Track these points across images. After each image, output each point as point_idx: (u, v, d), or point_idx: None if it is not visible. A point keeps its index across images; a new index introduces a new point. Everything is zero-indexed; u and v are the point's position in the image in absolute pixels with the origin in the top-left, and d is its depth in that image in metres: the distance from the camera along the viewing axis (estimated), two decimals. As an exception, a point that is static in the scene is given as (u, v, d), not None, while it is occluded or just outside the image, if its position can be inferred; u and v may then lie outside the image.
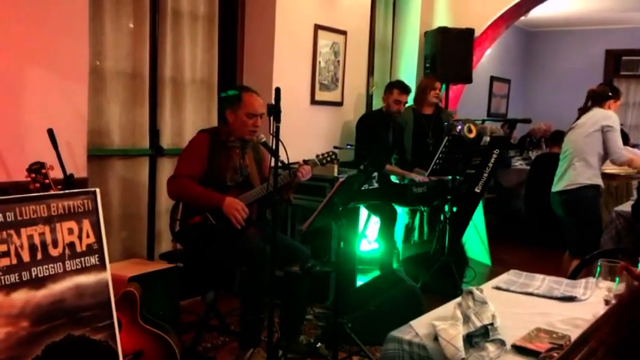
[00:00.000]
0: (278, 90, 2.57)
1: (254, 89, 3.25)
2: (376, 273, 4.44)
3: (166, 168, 3.84)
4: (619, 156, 3.96)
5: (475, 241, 5.48)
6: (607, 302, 1.81)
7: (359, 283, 4.20)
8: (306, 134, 4.67)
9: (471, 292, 1.68)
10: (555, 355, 1.41)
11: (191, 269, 3.33)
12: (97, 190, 2.12)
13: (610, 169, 4.99)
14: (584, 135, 4.03)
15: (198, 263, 3.25)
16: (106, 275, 2.11)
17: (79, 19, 3.12)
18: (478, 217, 5.38)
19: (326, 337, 3.25)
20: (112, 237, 3.62)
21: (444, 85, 5.40)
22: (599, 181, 4.02)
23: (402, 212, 5.02)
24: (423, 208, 4.90)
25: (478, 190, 4.62)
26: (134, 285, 2.72)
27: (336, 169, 4.15)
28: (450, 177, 4.42)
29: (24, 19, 2.87)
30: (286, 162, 2.82)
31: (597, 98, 4.07)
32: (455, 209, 4.48)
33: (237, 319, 3.42)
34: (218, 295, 3.44)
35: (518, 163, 7.14)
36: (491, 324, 1.57)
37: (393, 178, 4.66)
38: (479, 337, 1.53)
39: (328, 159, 3.41)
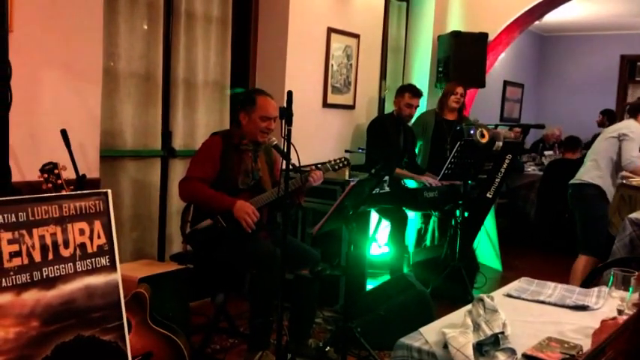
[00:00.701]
0: (290, 93, 2.57)
1: (267, 92, 3.26)
2: (386, 277, 4.43)
3: (178, 169, 3.85)
4: (629, 162, 4.08)
5: (486, 246, 5.45)
6: (620, 312, 1.78)
7: (369, 287, 4.19)
8: (318, 137, 4.67)
9: (481, 300, 1.66)
10: None
11: (201, 271, 3.34)
12: (109, 191, 2.13)
13: (636, 180, 4.98)
14: (603, 139, 4.29)
15: (209, 265, 3.25)
16: (116, 276, 2.11)
17: (94, 21, 3.14)
18: (489, 223, 5.34)
19: (335, 341, 3.24)
20: (123, 238, 3.64)
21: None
22: (602, 183, 4.17)
23: (415, 217, 5.01)
24: (434, 213, 4.87)
25: (490, 196, 4.58)
26: (144, 286, 2.73)
27: (347, 173, 4.15)
28: (461, 182, 4.40)
29: (38, 21, 2.89)
30: (298, 165, 2.82)
31: (632, 110, 4.29)
32: (466, 214, 4.45)
33: (247, 322, 3.42)
34: (228, 297, 3.45)
35: (530, 169, 7.09)
36: (502, 332, 1.55)
37: (407, 182, 4.65)
38: (489, 345, 1.52)
39: (340, 165, 3.41)
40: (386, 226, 4.63)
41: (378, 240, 4.81)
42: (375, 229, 4.73)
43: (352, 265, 3.67)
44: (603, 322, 1.54)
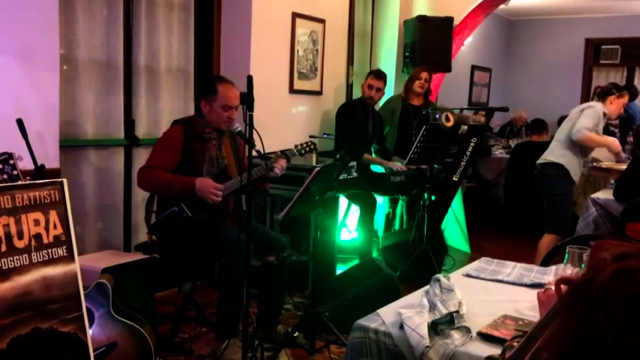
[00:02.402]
0: (250, 78, 2.54)
1: (230, 79, 3.22)
2: (356, 262, 4.45)
3: (142, 158, 3.78)
4: (577, 130, 4.13)
5: (455, 229, 5.50)
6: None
7: (339, 272, 4.21)
8: (285, 124, 4.66)
9: (438, 280, 1.68)
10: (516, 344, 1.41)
11: (167, 260, 3.31)
12: (64, 180, 2.08)
13: (606, 164, 5.08)
14: (568, 120, 4.35)
15: (175, 254, 3.22)
16: (75, 267, 2.08)
17: (49, 7, 3.06)
18: (457, 206, 5.40)
19: (303, 326, 3.26)
20: (88, 228, 3.59)
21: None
22: (565, 162, 4.23)
23: (383, 201, 5.03)
24: (401, 197, 4.91)
25: (456, 179, 4.63)
26: (107, 276, 2.70)
27: (314, 159, 4.14)
28: (428, 165, 4.43)
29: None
30: (262, 152, 2.80)
31: (601, 93, 4.35)
32: (433, 198, 4.49)
33: (216, 310, 3.41)
34: (197, 286, 3.43)
35: (498, 152, 7.17)
36: (457, 311, 1.57)
37: (374, 168, 4.66)
38: (444, 324, 1.53)
39: (307, 149, 3.40)
40: (355, 211, 4.65)
41: (348, 225, 4.82)
42: (345, 214, 4.74)
43: (320, 250, 3.67)
44: (548, 290, 1.54)
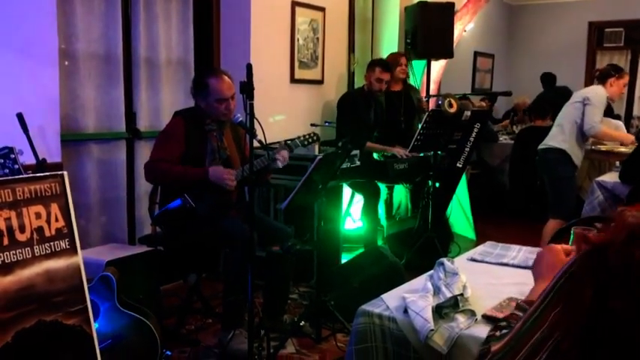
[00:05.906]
0: (249, 66, 2.52)
1: (223, 70, 3.20)
2: (361, 251, 4.44)
3: (144, 151, 3.79)
4: (590, 127, 4.13)
5: (460, 216, 5.48)
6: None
7: (344, 260, 4.20)
8: (287, 113, 4.63)
9: (442, 264, 1.66)
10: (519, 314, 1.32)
11: (172, 252, 3.31)
12: (65, 173, 2.07)
13: (605, 146, 5.04)
14: (569, 104, 4.33)
15: (179, 246, 3.22)
16: (78, 259, 2.07)
17: (47, 0, 3.05)
18: (462, 193, 5.37)
19: (309, 315, 3.26)
20: (92, 222, 3.59)
21: (424, 61, 5.40)
22: (567, 147, 4.21)
23: (381, 188, 5.02)
24: (405, 185, 4.89)
25: (460, 165, 4.61)
26: (111, 269, 2.69)
27: (317, 148, 4.13)
28: (431, 152, 4.41)
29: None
30: (264, 142, 2.79)
31: (600, 76, 4.31)
32: (437, 185, 4.47)
33: (222, 301, 3.41)
34: (203, 277, 3.42)
35: (502, 138, 7.13)
36: (461, 294, 1.55)
37: (376, 156, 4.63)
38: (449, 308, 1.52)
39: (310, 140, 3.40)
40: (359, 200, 4.64)
41: (353, 214, 4.81)
42: (349, 203, 4.73)
43: (324, 239, 3.66)
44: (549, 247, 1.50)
